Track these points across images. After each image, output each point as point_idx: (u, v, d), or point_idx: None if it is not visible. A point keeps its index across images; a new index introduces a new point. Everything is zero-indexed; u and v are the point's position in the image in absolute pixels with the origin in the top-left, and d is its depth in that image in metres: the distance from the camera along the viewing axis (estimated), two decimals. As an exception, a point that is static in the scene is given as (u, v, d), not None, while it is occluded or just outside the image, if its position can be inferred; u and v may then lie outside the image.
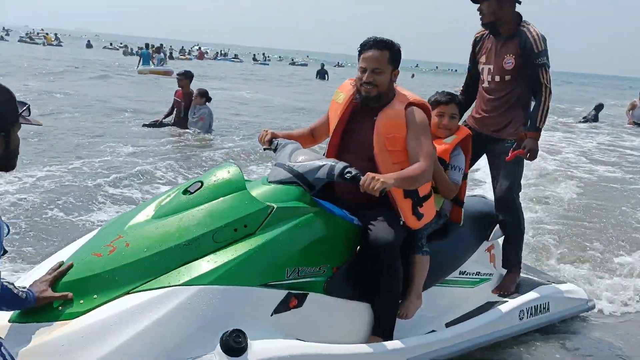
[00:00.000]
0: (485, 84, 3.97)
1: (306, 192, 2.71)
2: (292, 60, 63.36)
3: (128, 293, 2.25)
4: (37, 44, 49.06)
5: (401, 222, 2.86)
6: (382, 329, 2.84)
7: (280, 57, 76.72)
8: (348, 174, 2.66)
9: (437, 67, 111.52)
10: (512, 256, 3.90)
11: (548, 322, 3.78)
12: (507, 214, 3.87)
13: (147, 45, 30.08)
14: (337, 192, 2.99)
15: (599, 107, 20.28)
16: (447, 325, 3.25)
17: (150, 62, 25.07)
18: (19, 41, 49.42)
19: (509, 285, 3.77)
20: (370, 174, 2.60)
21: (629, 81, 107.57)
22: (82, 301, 2.23)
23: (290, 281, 2.51)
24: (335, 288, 2.69)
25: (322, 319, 2.68)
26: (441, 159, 3.21)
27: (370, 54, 2.86)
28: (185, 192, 2.61)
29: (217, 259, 2.38)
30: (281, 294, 2.48)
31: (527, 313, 3.60)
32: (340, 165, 2.70)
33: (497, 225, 3.72)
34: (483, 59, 3.98)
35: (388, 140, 2.84)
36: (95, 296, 2.24)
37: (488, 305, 3.51)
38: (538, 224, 6.18)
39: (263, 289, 2.43)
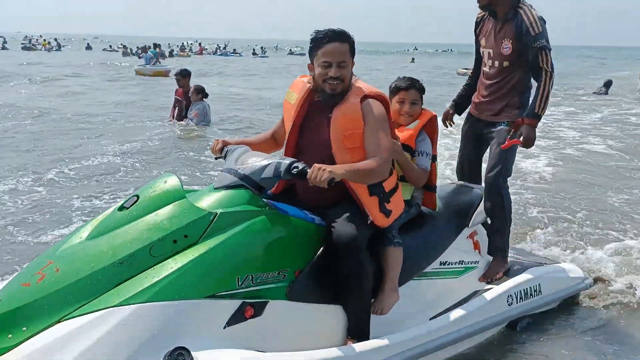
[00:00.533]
0: (486, 68, 3.88)
1: (255, 195, 2.55)
2: (290, 50, 63.77)
3: (60, 321, 2.10)
4: (38, 49, 49.51)
5: (369, 221, 2.72)
6: (356, 330, 2.69)
7: (276, 47, 76.69)
8: (295, 169, 2.52)
9: (437, 49, 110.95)
10: (497, 242, 3.78)
11: (544, 304, 3.62)
12: (493, 199, 3.76)
13: (154, 45, 29.94)
14: (299, 194, 2.87)
15: (608, 84, 20.26)
16: (433, 319, 3.07)
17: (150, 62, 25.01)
18: (22, 49, 49.68)
19: (495, 272, 3.62)
20: (316, 165, 2.46)
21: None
22: (10, 335, 2.09)
23: (243, 290, 2.35)
24: (299, 292, 2.54)
25: (288, 326, 2.52)
26: (407, 146, 3.10)
27: (333, 47, 2.69)
28: (121, 208, 2.45)
29: (155, 274, 2.21)
30: (234, 304, 2.33)
31: (517, 298, 3.41)
32: (286, 161, 2.56)
33: (477, 211, 3.54)
34: (483, 41, 3.88)
35: (346, 137, 2.68)
36: (24, 328, 2.09)
37: (475, 295, 3.33)
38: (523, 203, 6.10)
39: (211, 301, 2.26)
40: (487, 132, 3.90)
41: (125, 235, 2.31)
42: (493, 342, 3.37)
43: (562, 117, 14.01)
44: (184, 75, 10.38)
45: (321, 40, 2.70)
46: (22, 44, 55.22)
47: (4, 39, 53.83)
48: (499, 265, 3.70)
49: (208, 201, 2.50)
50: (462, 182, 3.95)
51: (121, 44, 50.77)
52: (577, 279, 3.86)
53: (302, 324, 2.58)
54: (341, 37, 2.71)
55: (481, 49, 3.93)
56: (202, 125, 10.06)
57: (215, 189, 2.59)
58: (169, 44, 58.21)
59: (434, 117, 3.23)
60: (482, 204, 3.60)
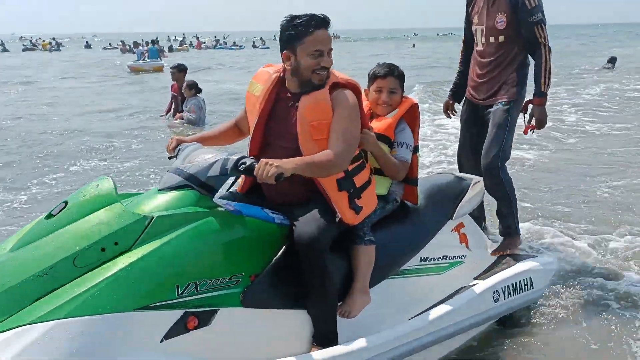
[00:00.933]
0: (479, 47, 3.74)
1: (203, 196, 2.35)
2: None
3: None
4: (38, 49, 49.69)
5: (337, 219, 2.52)
6: (321, 336, 2.48)
7: (275, 36, 76.27)
8: (242, 165, 2.31)
9: (437, 33, 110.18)
10: (506, 222, 3.72)
11: (537, 299, 3.42)
12: (492, 183, 3.65)
13: (153, 41, 29.99)
14: (265, 192, 2.70)
15: (612, 60, 20.36)
16: (409, 320, 2.82)
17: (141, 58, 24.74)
18: (23, 50, 49.82)
19: (505, 249, 3.61)
20: (263, 160, 2.26)
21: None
22: None
23: (185, 299, 2.13)
24: (255, 298, 2.33)
25: (245, 335, 2.32)
26: (385, 137, 2.89)
27: (323, 33, 2.49)
28: (49, 216, 2.24)
29: (78, 286, 1.98)
30: (173, 315, 2.11)
31: (504, 293, 3.17)
32: (235, 157, 2.34)
33: (462, 202, 3.30)
34: (476, 19, 3.75)
35: (313, 128, 2.48)
36: None
37: (458, 292, 3.09)
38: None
39: (144, 313, 2.03)
40: (485, 114, 3.77)
41: (48, 245, 2.10)
42: (467, 332, 3.09)
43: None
44: (179, 70, 10.29)
45: (308, 26, 2.47)
46: (23, 45, 55.32)
47: (1, 41, 53.87)
48: (510, 243, 3.70)
49: (149, 205, 2.29)
50: (451, 172, 3.71)
51: (121, 41, 50.81)
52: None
53: (260, 331, 2.37)
54: (327, 22, 2.52)
55: (473, 27, 3.80)
56: (198, 127, 9.63)
57: (159, 191, 2.37)
58: (168, 36, 58.01)
59: (415, 105, 3.01)
60: (469, 194, 3.36)
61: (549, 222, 5.02)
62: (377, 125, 2.92)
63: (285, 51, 2.54)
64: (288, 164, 2.29)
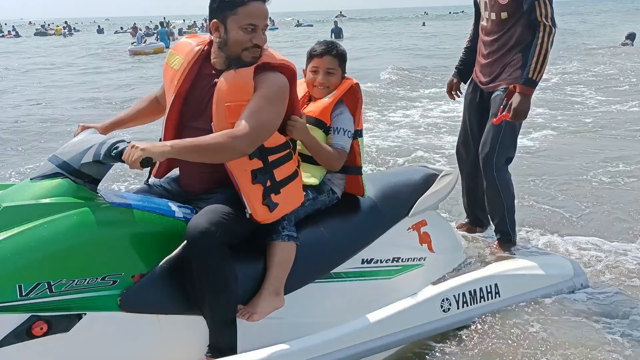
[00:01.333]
0: (484, 22, 3.38)
1: (78, 186, 2.07)
2: (298, 22, 63.78)
3: None
4: (50, 34, 49.78)
5: (247, 214, 2.23)
6: (216, 344, 2.17)
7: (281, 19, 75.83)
8: (115, 150, 2.04)
9: (450, 11, 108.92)
10: (499, 226, 3.57)
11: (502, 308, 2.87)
12: (486, 181, 3.35)
13: (161, 23, 30.05)
14: (180, 180, 2.46)
15: (631, 36, 20.18)
16: (321, 332, 2.37)
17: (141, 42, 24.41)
18: (34, 34, 49.82)
19: (503, 248, 3.51)
20: (132, 143, 2.00)
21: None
22: None
23: (31, 301, 1.86)
24: (137, 301, 2.05)
25: (122, 344, 2.02)
26: (320, 122, 2.60)
27: (259, 6, 2.22)
28: None
29: None
30: (13, 319, 1.84)
31: (458, 302, 2.70)
32: (111, 141, 2.08)
33: (423, 197, 2.92)
34: None
35: (229, 109, 2.18)
36: None
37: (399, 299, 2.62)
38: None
39: None
40: (488, 101, 3.40)
41: None
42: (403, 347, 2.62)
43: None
44: None
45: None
46: (36, 29, 55.39)
47: (13, 26, 54.02)
48: (502, 247, 3.55)
49: (13, 195, 2.06)
50: (423, 165, 3.35)
51: (134, 24, 50.96)
52: (562, 276, 3.08)
53: (142, 340, 2.08)
54: None
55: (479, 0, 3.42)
56: None
57: (32, 180, 2.13)
58: (184, 20, 57.71)
59: (356, 86, 2.69)
60: (433, 188, 2.99)
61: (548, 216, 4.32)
62: (311, 108, 2.63)
63: (214, 20, 2.25)
64: (161, 147, 2.00)
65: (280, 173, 2.31)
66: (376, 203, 2.77)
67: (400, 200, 2.87)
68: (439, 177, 3.05)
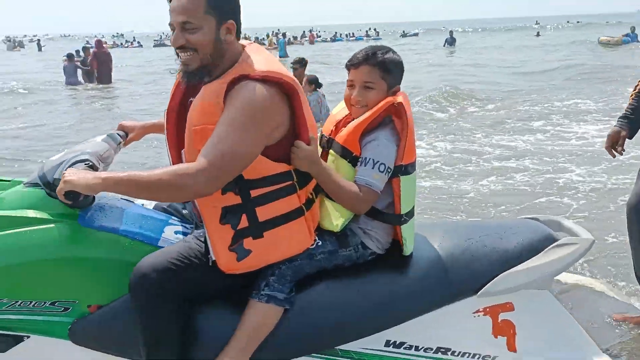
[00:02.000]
0: None
1: (48, 198, 1.94)
2: (403, 32, 64.23)
3: None
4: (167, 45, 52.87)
5: (210, 261, 1.86)
6: None
7: (380, 31, 76.33)
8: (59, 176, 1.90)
9: (567, 21, 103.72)
10: None
11: None
12: (629, 225, 2.89)
13: (284, 34, 31.44)
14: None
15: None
16: None
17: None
18: (154, 46, 52.68)
19: None
20: (65, 172, 1.78)
21: None
22: None
23: None
24: (86, 335, 1.88)
25: None
26: (347, 151, 2.01)
27: (173, 1, 1.81)
28: None
29: None
30: None
31: None
32: (78, 156, 1.93)
33: (515, 270, 2.02)
34: None
35: (196, 133, 1.79)
36: None
37: None
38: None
39: None
40: None
41: None
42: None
43: None
44: (302, 64, 10.44)
45: None
46: (154, 41, 58.50)
47: (14, 40, 55.99)
48: None
49: None
50: (535, 217, 2.39)
51: (163, 33, 50.55)
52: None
53: None
54: None
55: None
56: (317, 124, 9.34)
57: (24, 184, 2.05)
58: (284, 33, 59.67)
59: (399, 105, 2.02)
60: (539, 259, 2.05)
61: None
62: (341, 133, 2.05)
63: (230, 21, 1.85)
64: (91, 179, 1.71)
65: (267, 212, 1.84)
66: (430, 266, 2.04)
67: (470, 271, 2.04)
68: (555, 244, 2.10)
